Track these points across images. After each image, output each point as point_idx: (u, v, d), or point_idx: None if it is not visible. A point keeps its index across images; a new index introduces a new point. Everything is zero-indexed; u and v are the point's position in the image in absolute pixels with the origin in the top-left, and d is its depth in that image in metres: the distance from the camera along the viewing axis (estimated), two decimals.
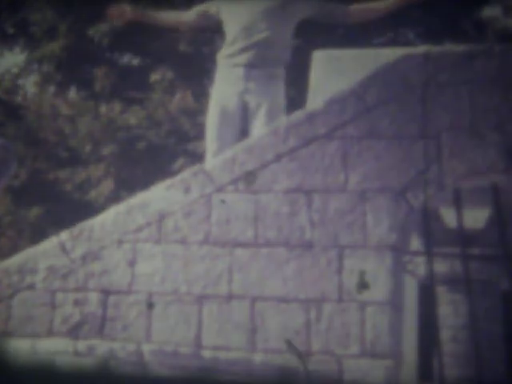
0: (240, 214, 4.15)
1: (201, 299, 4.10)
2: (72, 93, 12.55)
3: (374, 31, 10.62)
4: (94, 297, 4.20)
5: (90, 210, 8.43)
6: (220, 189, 4.21)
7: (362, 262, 3.98)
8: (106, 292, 4.20)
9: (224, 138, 4.94)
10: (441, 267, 7.07)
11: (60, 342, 4.14)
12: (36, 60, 12.05)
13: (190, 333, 4.07)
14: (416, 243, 5.46)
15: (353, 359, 3.89)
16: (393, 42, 10.74)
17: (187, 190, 4.25)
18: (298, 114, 4.26)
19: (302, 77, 5.74)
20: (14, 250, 8.93)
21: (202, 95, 9.99)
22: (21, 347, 4.07)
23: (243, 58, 4.95)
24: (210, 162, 4.65)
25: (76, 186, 11.25)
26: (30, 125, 11.95)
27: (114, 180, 10.85)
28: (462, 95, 4.09)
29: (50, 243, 4.33)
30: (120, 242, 4.24)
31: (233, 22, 5.05)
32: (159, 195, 4.27)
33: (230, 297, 4.07)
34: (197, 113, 10.16)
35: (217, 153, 4.81)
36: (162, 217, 4.23)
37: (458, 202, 4.24)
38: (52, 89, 12.39)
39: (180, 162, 10.44)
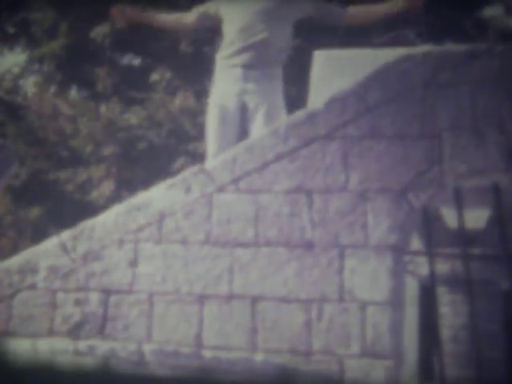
0: (241, 214, 4.15)
1: (201, 299, 4.10)
2: (73, 92, 12.56)
3: (374, 31, 10.62)
4: (94, 296, 4.20)
5: (90, 210, 8.44)
6: (221, 189, 4.21)
7: (363, 262, 3.98)
8: (106, 292, 4.20)
9: (224, 138, 4.94)
10: (441, 267, 7.07)
11: (61, 342, 4.14)
12: (37, 59, 12.05)
13: (190, 333, 4.07)
14: (417, 243, 5.46)
15: (353, 359, 3.89)
16: (393, 42, 10.72)
17: (188, 189, 4.25)
18: (299, 114, 4.26)
19: (302, 77, 5.74)
20: (14, 249, 8.93)
21: (202, 95, 9.99)
22: (21, 347, 4.07)
23: (241, 59, 4.97)
24: (208, 162, 4.66)
25: (77, 186, 11.25)
26: (31, 124, 11.95)
27: (114, 180, 10.85)
28: (463, 95, 4.09)
29: (51, 243, 4.34)
30: (121, 242, 4.24)
31: (231, 22, 5.06)
32: (160, 195, 4.28)
33: (230, 297, 4.07)
34: (197, 113, 10.16)
35: (217, 153, 4.82)
36: (162, 217, 4.23)
37: (458, 201, 4.23)
38: (53, 88, 12.39)
39: (181, 161, 10.45)
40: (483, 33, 10.92)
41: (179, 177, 4.35)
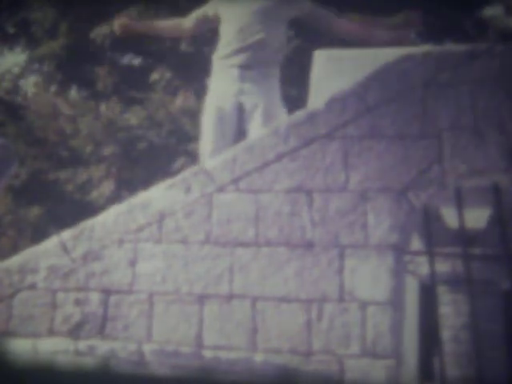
0: (241, 213, 4.15)
1: (202, 299, 4.10)
2: (73, 92, 12.56)
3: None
4: (94, 296, 4.20)
5: (90, 210, 8.44)
6: (221, 188, 4.21)
7: (363, 262, 3.98)
8: (106, 292, 4.20)
9: (220, 138, 4.95)
10: (442, 267, 7.07)
11: (61, 342, 4.14)
12: (37, 59, 12.05)
13: (190, 332, 4.07)
14: (417, 243, 5.46)
15: (354, 359, 3.89)
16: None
17: (188, 189, 4.25)
18: (299, 114, 4.26)
19: (302, 77, 5.74)
20: (14, 249, 8.93)
21: (202, 95, 9.98)
22: (21, 347, 4.07)
23: (238, 59, 4.98)
24: (206, 162, 4.67)
25: (77, 187, 11.25)
26: (31, 125, 11.95)
27: (114, 180, 10.85)
28: (463, 95, 4.09)
29: (51, 243, 4.33)
30: (121, 242, 4.24)
31: (228, 23, 5.08)
32: (160, 195, 4.27)
33: (230, 296, 4.07)
34: (197, 113, 10.15)
35: (213, 154, 4.82)
36: (162, 216, 4.23)
37: (459, 201, 4.23)
38: (53, 88, 12.39)
39: (181, 161, 10.45)
40: (483, 33, 10.91)
41: (179, 177, 4.35)
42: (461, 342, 7.28)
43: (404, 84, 4.16)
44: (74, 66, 11.67)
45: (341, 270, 3.99)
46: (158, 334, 4.10)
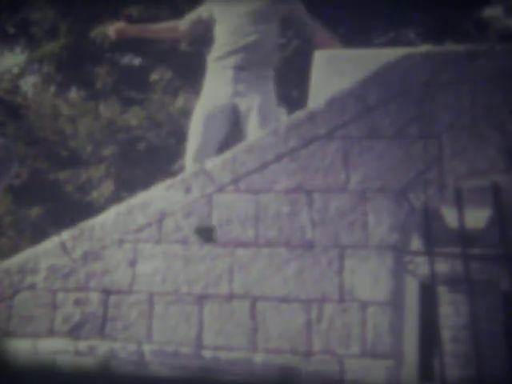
0: (241, 214, 4.15)
1: (201, 299, 4.10)
2: (73, 93, 12.55)
3: (374, 31, 10.62)
4: (94, 297, 4.20)
5: (90, 210, 8.44)
6: (221, 189, 4.21)
7: (363, 262, 3.98)
8: (106, 292, 4.20)
9: (206, 142, 4.95)
10: (442, 267, 7.06)
11: (61, 342, 4.14)
12: (36, 60, 12.04)
13: (190, 333, 4.07)
14: (417, 243, 5.46)
15: (354, 359, 3.89)
16: (393, 42, 10.74)
17: (188, 190, 4.25)
18: (299, 114, 4.26)
19: (302, 77, 5.74)
20: (14, 249, 8.93)
21: None
22: (22, 347, 4.07)
23: (232, 61, 4.99)
24: (189, 162, 4.71)
25: (77, 187, 11.25)
26: (31, 125, 11.95)
27: (114, 181, 10.85)
28: (463, 95, 4.09)
29: (51, 243, 4.33)
30: (121, 242, 4.24)
31: (222, 24, 5.09)
32: (160, 195, 4.27)
33: (230, 297, 4.07)
34: None
35: (197, 156, 4.84)
36: (162, 217, 4.23)
37: (458, 201, 4.23)
38: (52, 89, 12.39)
39: (180, 162, 10.43)
40: (483, 33, 10.90)
41: (179, 177, 4.35)
42: (460, 342, 7.28)
43: (404, 84, 4.16)
44: (74, 67, 11.66)
45: (341, 271, 3.99)
46: (157, 334, 4.10)
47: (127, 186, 10.51)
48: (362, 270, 3.97)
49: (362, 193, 4.06)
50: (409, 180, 4.04)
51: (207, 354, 4.02)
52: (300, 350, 3.95)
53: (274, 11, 5.07)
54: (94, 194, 10.84)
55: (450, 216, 6.09)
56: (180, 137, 10.91)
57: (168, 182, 4.33)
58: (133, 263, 4.20)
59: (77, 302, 4.20)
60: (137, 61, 12.56)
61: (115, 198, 9.29)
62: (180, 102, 10.79)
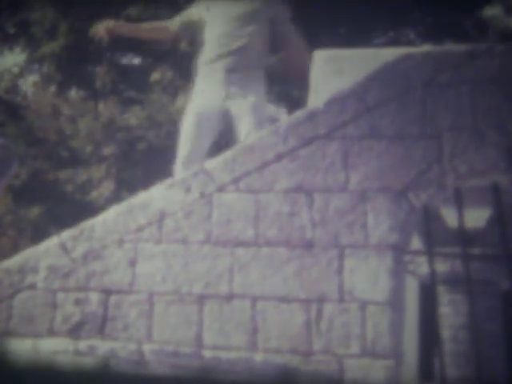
0: (241, 213, 4.15)
1: (202, 299, 4.10)
2: (72, 92, 12.56)
3: (374, 31, 10.62)
4: (94, 296, 4.20)
5: (90, 210, 8.44)
6: (221, 188, 4.21)
7: (363, 262, 3.98)
8: (106, 292, 4.20)
9: (197, 145, 4.94)
10: (442, 267, 7.07)
11: (61, 342, 4.14)
12: (36, 60, 12.05)
13: (190, 332, 4.07)
14: (417, 243, 5.46)
15: (353, 359, 3.89)
16: (393, 42, 10.74)
17: (188, 189, 4.25)
18: (299, 114, 4.26)
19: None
20: (14, 249, 8.93)
21: None
22: (22, 347, 4.07)
23: (223, 64, 4.99)
24: (179, 166, 4.71)
25: (77, 187, 11.26)
26: (31, 125, 11.95)
27: (114, 180, 10.85)
28: (463, 95, 4.09)
29: (51, 243, 4.33)
30: (121, 242, 4.24)
31: (211, 27, 5.08)
32: (160, 195, 4.28)
33: (230, 296, 4.07)
34: None
35: (187, 159, 4.84)
36: (162, 216, 4.23)
37: (458, 201, 4.23)
38: (52, 88, 12.39)
39: None
40: (483, 33, 10.91)
41: (179, 177, 4.35)
42: (460, 342, 7.29)
43: (404, 84, 4.16)
44: (74, 67, 11.67)
45: (340, 270, 3.99)
46: (157, 333, 4.10)
47: (127, 185, 10.52)
48: (362, 269, 3.97)
49: (362, 193, 4.06)
50: (409, 180, 4.04)
51: (207, 353, 4.02)
52: (300, 350, 3.95)
53: (264, 14, 5.07)
54: (94, 194, 10.85)
55: (449, 216, 6.09)
56: (180, 136, 10.91)
57: (168, 181, 4.33)
58: (133, 263, 4.20)
59: (77, 302, 4.20)
60: (137, 61, 12.56)
61: (115, 198, 9.29)
62: (180, 102, 10.79)
